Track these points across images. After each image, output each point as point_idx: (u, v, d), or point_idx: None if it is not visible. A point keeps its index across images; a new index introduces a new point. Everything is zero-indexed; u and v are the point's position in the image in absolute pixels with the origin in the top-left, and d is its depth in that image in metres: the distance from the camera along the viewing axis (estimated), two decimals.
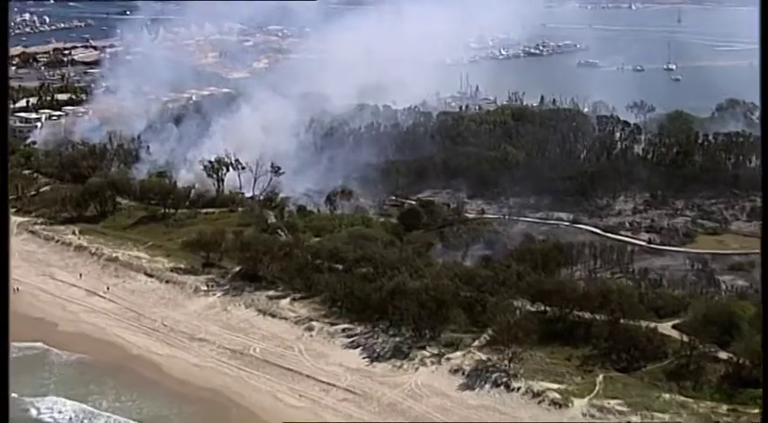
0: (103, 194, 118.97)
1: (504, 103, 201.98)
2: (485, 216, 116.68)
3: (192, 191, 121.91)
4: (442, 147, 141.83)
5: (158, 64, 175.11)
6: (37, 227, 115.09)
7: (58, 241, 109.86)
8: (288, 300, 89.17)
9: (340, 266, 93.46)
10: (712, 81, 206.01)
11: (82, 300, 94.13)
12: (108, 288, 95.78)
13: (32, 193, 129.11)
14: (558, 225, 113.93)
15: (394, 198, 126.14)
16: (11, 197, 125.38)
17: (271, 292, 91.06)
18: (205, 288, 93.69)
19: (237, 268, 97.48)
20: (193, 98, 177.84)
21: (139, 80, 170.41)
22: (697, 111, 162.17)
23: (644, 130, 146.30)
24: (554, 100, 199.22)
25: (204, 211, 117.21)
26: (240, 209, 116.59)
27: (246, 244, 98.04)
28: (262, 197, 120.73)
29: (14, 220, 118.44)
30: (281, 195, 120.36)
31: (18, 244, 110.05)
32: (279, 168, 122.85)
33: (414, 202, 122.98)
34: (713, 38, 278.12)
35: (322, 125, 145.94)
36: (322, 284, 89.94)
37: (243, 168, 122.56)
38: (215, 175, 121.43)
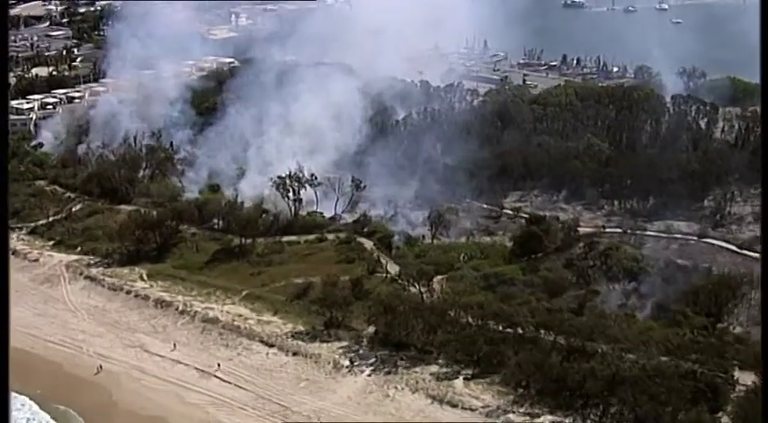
0: (163, 223, 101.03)
1: (522, 60, 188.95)
2: (604, 231, 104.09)
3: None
4: (510, 136, 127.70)
5: None
6: (94, 271, 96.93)
7: (129, 292, 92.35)
8: (460, 380, 75.23)
9: (498, 327, 79.88)
10: (714, 23, 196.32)
11: (197, 384, 77.96)
12: (219, 365, 79.77)
13: (63, 214, 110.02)
14: (687, 241, 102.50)
15: (486, 206, 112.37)
16: (40, 222, 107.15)
17: (433, 368, 76.90)
18: (347, 363, 78.75)
19: (371, 330, 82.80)
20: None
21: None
22: (730, 67, 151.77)
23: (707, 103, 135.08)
24: (577, 59, 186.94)
25: (285, 239, 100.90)
26: (328, 235, 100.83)
27: (379, 302, 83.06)
28: (345, 217, 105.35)
29: (59, 257, 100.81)
30: (364, 212, 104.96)
31: (80, 296, 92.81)
32: (360, 182, 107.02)
33: (511, 212, 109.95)
34: None
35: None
36: (492, 356, 76.38)
37: (319, 184, 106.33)
38: (289, 195, 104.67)
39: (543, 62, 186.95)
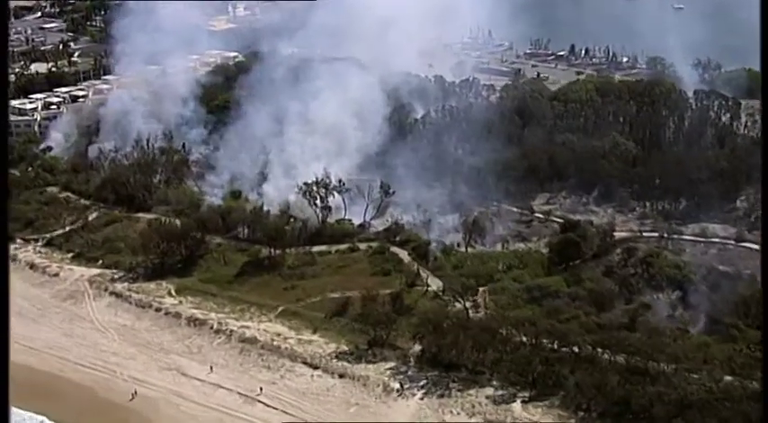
0: (188, 234, 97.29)
1: (529, 50, 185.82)
2: (641, 235, 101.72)
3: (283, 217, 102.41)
4: (532, 134, 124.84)
5: None
6: (119, 286, 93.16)
7: (158, 310, 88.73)
8: (518, 403, 72.61)
9: (553, 345, 77.29)
10: (716, 8, 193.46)
11: (240, 410, 74.75)
12: (262, 389, 76.53)
13: (79, 224, 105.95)
14: (725, 245, 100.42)
15: (516, 210, 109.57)
16: (56, 232, 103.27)
17: (488, 391, 74.18)
18: (396, 385, 75.78)
19: (417, 348, 79.94)
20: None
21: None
22: (738, 54, 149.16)
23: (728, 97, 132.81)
24: (586, 49, 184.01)
25: (315, 249, 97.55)
26: (359, 245, 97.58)
27: (426, 320, 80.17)
28: (375, 224, 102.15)
29: (80, 271, 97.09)
30: (396, 220, 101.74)
31: (107, 314, 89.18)
32: (389, 187, 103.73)
33: (542, 216, 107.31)
34: None
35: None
36: (548, 377, 73.83)
37: (347, 191, 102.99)
38: (316, 202, 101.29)
39: (551, 52, 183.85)
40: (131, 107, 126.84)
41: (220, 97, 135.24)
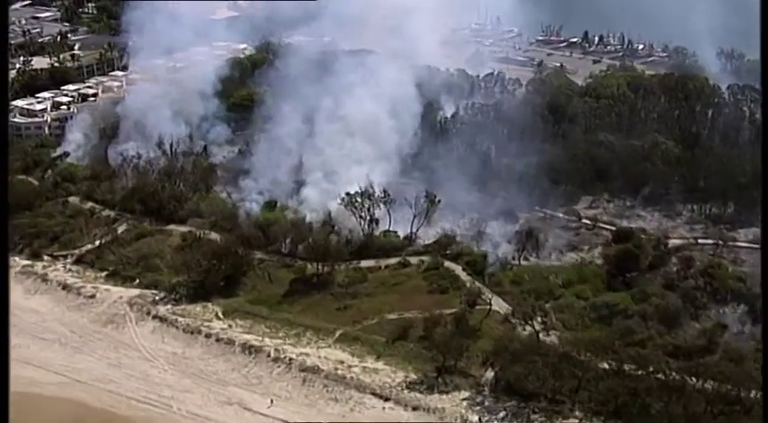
0: (230, 250, 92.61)
1: (541, 37, 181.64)
2: (696, 243, 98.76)
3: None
4: (568, 133, 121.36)
5: None
6: (162, 309, 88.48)
7: (208, 335, 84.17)
8: None
9: (632, 371, 74.21)
10: None
11: None
12: None
13: (108, 237, 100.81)
14: None
15: (562, 216, 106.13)
16: (84, 247, 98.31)
17: (572, 422, 71.04)
18: (475, 418, 72.29)
19: (489, 375, 76.54)
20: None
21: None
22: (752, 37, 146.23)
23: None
24: (600, 36, 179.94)
25: (363, 264, 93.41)
26: (410, 259, 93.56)
27: (502, 347, 76.71)
28: (421, 235, 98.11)
29: (118, 292, 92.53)
30: (446, 232, 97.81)
31: (153, 341, 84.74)
32: (435, 196, 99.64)
33: (589, 222, 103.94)
34: None
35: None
36: (634, 407, 70.87)
37: (392, 202, 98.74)
38: (363, 215, 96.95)
39: (563, 39, 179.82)
40: (149, 105, 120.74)
41: (237, 94, 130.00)
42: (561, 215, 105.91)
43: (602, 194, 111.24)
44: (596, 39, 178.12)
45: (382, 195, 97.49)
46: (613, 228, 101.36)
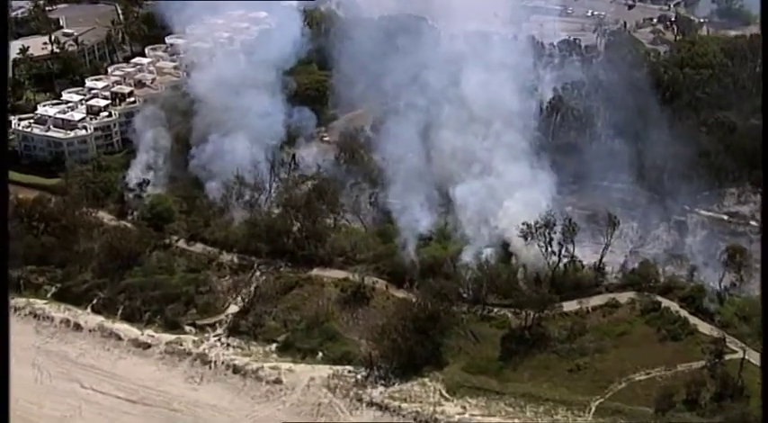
0: (426, 308, 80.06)
1: None
2: None
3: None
4: (682, 112, 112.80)
5: None
6: (374, 393, 75.86)
7: None
8: None
9: None
10: None
11: None
12: None
13: (249, 293, 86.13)
14: None
15: (726, 218, 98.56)
16: (229, 310, 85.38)
17: None
18: None
19: None
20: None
21: None
22: None
23: None
24: None
25: (567, 307, 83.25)
26: (618, 298, 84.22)
27: None
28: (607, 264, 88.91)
29: (305, 371, 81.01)
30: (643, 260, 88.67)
31: None
32: (616, 218, 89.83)
33: (755, 225, 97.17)
34: None
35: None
36: None
37: (578, 231, 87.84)
38: (549, 245, 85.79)
39: None
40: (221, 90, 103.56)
41: (304, 81, 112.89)
42: (725, 217, 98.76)
43: (745, 185, 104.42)
44: None
45: (567, 226, 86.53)
46: None
